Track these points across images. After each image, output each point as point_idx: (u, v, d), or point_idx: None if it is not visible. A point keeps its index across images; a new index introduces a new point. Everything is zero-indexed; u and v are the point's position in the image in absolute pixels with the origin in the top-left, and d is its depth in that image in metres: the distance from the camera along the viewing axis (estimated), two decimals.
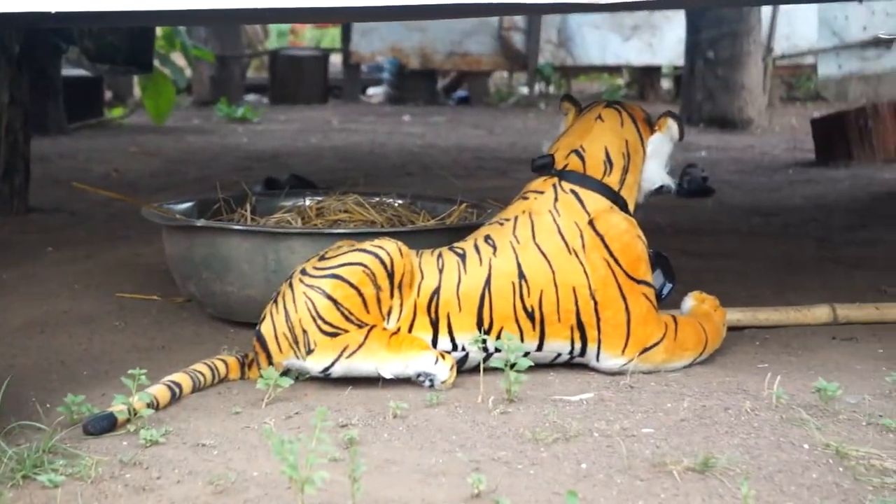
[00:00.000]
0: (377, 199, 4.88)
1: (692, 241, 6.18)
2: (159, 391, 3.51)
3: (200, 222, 4.46)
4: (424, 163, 9.56)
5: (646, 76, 16.25)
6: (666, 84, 16.93)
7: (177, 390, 3.57)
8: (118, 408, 3.35)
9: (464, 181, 8.28)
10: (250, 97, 16.15)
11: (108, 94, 14.49)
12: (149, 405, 3.41)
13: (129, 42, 6.98)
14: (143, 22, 5.34)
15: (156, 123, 11.51)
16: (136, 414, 3.35)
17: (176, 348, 4.19)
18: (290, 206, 4.90)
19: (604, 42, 15.74)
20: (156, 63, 9.26)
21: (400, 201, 4.93)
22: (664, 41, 15.58)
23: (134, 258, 5.60)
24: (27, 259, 5.61)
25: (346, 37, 16.19)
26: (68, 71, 11.10)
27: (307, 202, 4.90)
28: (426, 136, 11.77)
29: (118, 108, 13.62)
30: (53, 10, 3.12)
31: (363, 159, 9.81)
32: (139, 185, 8.19)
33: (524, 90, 16.62)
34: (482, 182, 8.32)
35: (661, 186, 4.03)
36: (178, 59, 12.60)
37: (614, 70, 17.37)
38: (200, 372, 3.69)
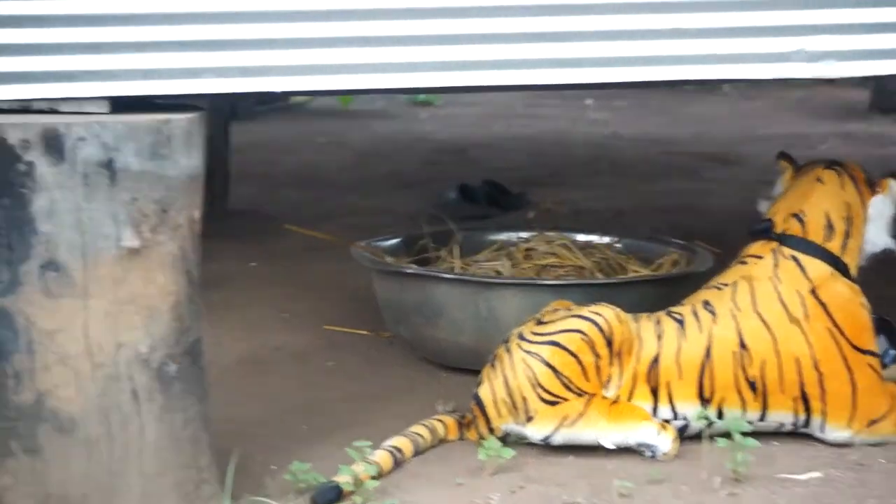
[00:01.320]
0: (584, 238, 4.89)
1: None
2: (382, 458, 3.55)
3: (411, 269, 4.49)
4: (612, 158, 9.46)
5: None
6: None
7: (399, 456, 3.61)
8: (344, 478, 3.39)
9: (653, 183, 8.21)
10: None
11: None
12: (374, 477, 3.45)
13: None
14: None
15: (342, 105, 11.63)
16: (361, 484, 3.40)
17: (390, 397, 4.23)
18: (497, 244, 4.91)
19: None
20: None
21: (607, 239, 4.93)
22: None
23: (336, 277, 5.60)
24: (232, 277, 5.69)
25: None
26: None
27: (514, 238, 4.93)
28: (610, 123, 11.63)
29: None
30: (279, 90, 3.24)
31: (548, 153, 9.75)
32: (330, 182, 8.29)
33: None
34: (672, 183, 8.22)
35: (884, 249, 3.94)
36: None
37: None
38: (420, 434, 3.72)
